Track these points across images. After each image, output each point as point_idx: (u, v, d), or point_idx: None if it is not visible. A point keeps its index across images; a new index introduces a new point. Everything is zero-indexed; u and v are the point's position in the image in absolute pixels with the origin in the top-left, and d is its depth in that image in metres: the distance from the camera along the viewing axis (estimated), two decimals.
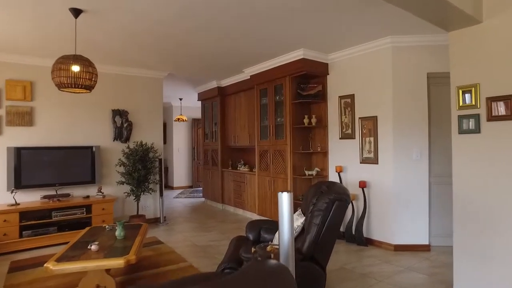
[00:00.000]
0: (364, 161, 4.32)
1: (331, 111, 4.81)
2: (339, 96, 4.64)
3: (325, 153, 4.89)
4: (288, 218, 1.40)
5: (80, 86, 2.90)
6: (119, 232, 3.20)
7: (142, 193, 5.23)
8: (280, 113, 5.10)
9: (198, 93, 7.56)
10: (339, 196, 2.38)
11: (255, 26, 3.62)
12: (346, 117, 4.56)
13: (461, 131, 2.60)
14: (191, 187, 9.98)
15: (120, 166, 5.08)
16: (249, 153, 6.52)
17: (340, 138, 4.64)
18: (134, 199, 5.14)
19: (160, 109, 5.78)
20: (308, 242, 2.33)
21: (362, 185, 4.21)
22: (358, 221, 4.26)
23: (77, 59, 2.94)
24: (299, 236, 2.59)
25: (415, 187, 3.99)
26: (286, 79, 4.92)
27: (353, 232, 4.34)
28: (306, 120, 4.86)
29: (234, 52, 4.61)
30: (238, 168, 6.40)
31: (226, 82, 6.57)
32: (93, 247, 2.79)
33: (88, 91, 3.06)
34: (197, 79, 6.57)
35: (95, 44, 4.20)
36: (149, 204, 5.65)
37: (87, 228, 3.60)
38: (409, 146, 4.00)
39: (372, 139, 4.21)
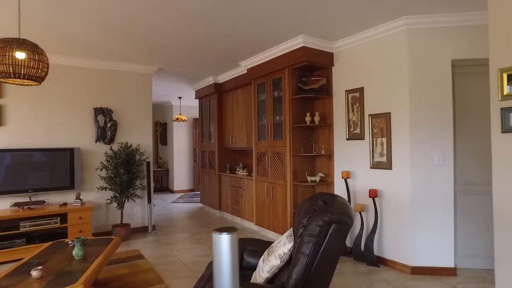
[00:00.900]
0: (375, 166, 3.67)
1: (337, 108, 4.18)
2: (346, 90, 4.01)
3: (330, 156, 4.26)
4: (230, 279, 0.82)
5: (23, 76, 2.38)
6: (76, 251, 2.68)
7: (126, 200, 4.72)
8: (279, 110, 4.50)
9: (195, 91, 7.04)
10: (337, 218, 1.77)
11: (247, 9, 3.04)
12: (354, 114, 3.93)
13: (506, 129, 1.95)
14: (192, 190, 9.47)
15: (101, 170, 4.58)
16: (249, 156, 5.95)
17: (347, 139, 4.01)
18: (117, 206, 4.63)
19: (149, 107, 5.28)
20: (294, 278, 1.73)
21: (373, 194, 3.56)
22: (368, 236, 3.62)
23: (22, 43, 2.42)
24: (286, 266, 1.99)
25: (437, 197, 3.32)
26: (285, 72, 4.32)
27: (362, 249, 3.69)
28: (308, 119, 4.25)
29: (226, 41, 4.04)
30: (237, 172, 5.83)
31: (223, 77, 6.01)
32: (35, 273, 2.27)
33: (37, 83, 2.55)
34: (193, 75, 6.04)
35: (73, 36, 3.72)
36: (136, 211, 5.14)
37: (46, 244, 3.10)
38: (430, 148, 3.34)
39: (384, 140, 3.56)
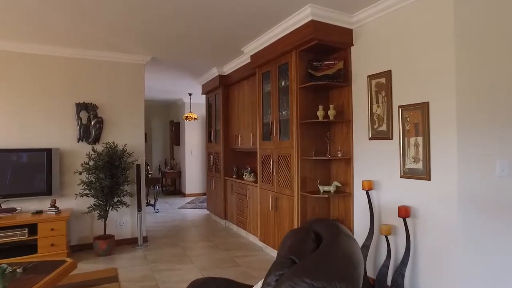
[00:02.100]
0: (407, 174, 2.75)
1: (357, 99, 3.28)
2: (369, 76, 3.10)
3: (348, 161, 3.36)
4: None
5: None
6: None
7: (110, 208, 4.11)
8: (286, 103, 3.68)
9: (201, 86, 6.36)
10: (323, 285, 0.94)
11: None
12: (379, 106, 3.01)
13: None
14: (204, 194, 8.81)
15: (80, 173, 4.00)
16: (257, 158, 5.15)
17: (370, 139, 3.10)
18: (98, 216, 4.02)
19: (141, 102, 4.65)
20: None
21: (404, 212, 2.64)
22: (397, 268, 2.70)
23: None
24: None
25: (501, 220, 2.34)
26: (292, 56, 3.48)
27: (389, 284, 2.78)
28: (320, 113, 3.38)
29: (224, 18, 3.29)
30: (244, 177, 5.06)
31: (228, 68, 5.27)
32: None
33: None
34: (195, 66, 5.35)
35: (50, 21, 3.15)
36: (126, 221, 4.52)
37: None
38: (489, 152, 2.38)
39: (419, 139, 2.63)
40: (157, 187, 6.76)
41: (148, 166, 6.76)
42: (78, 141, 4.22)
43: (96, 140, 4.31)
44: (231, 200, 5.25)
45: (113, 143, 4.23)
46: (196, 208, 7.09)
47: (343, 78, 3.35)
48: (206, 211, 6.56)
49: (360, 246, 2.86)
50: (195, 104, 8.16)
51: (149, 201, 6.80)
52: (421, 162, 2.61)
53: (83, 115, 4.24)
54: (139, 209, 4.45)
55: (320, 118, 3.38)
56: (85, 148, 4.22)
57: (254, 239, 4.54)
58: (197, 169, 8.79)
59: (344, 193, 3.34)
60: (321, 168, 3.56)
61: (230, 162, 5.54)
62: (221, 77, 5.43)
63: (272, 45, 3.75)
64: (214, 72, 5.52)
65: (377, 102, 3.02)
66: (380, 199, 3.00)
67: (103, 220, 4.10)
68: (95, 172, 3.95)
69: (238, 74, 5.00)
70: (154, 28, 3.55)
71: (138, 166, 4.45)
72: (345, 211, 3.40)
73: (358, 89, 3.26)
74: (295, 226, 3.43)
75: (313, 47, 3.32)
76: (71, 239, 4.15)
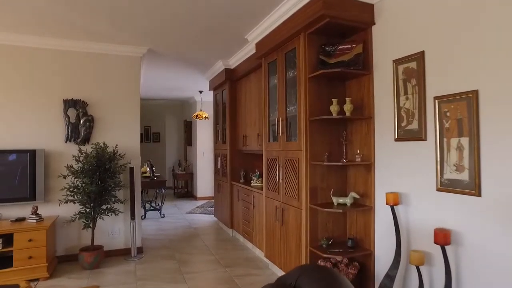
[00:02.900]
0: (446, 186, 2.08)
1: (379, 90, 2.64)
2: (395, 61, 2.46)
3: (369, 167, 2.73)
4: None
5: None
6: None
7: (98, 217, 3.69)
8: (294, 97, 3.09)
9: (209, 81, 5.88)
10: None
11: None
12: (408, 98, 2.36)
13: None
14: None
15: (65, 177, 3.60)
16: None
17: (396, 139, 2.46)
18: (84, 225, 3.61)
19: (136, 99, 4.21)
20: None
21: (443, 238, 1.98)
22: None
23: None
24: None
25: None
26: (300, 39, 2.89)
27: None
28: (334, 108, 2.77)
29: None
30: (252, 182, 4.51)
31: (234, 60, 4.74)
32: None
33: None
34: (198, 59, 4.87)
35: (35, 9, 2.78)
36: (119, 229, 4.10)
37: None
38: None
39: (465, 141, 1.96)
40: (163, 190, 6.35)
41: (154, 168, 6.37)
42: (66, 142, 3.84)
43: (86, 140, 3.92)
44: (238, 207, 4.72)
45: (104, 144, 3.81)
46: (205, 213, 6.62)
47: (363, 64, 2.72)
48: (214, 218, 6.06)
49: (382, 278, 2.23)
50: (206, 102, 7.70)
51: (157, 204, 6.41)
52: (466, 172, 1.95)
53: (72, 112, 3.85)
54: (133, 217, 4.01)
55: (334, 114, 2.76)
56: (73, 149, 3.84)
57: (260, 254, 3.98)
58: (209, 171, 8.33)
59: (364, 206, 2.70)
60: (335, 176, 2.94)
61: (237, 164, 5.01)
62: (227, 71, 4.91)
63: (277, 29, 3.18)
64: (220, 66, 5.02)
65: (406, 93, 2.37)
66: (409, 217, 2.35)
67: (92, 228, 3.68)
68: (80, 176, 3.54)
69: (244, 67, 4.46)
70: (147, 11, 3.07)
71: (132, 170, 4.01)
72: (365, 229, 2.76)
73: (381, 78, 2.62)
74: (304, 245, 2.84)
75: (325, 28, 2.71)
76: (57, 249, 3.78)
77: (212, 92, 5.97)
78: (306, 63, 2.84)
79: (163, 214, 6.26)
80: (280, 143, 3.29)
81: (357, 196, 2.69)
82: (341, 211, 2.60)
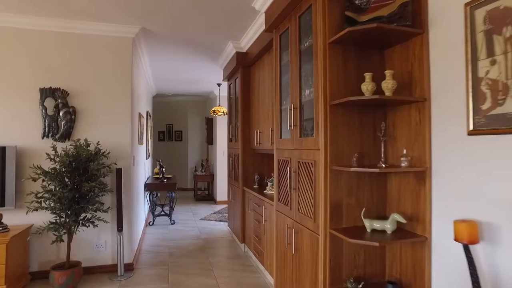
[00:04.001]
0: None
1: (439, 55, 1.69)
2: (469, 3, 1.50)
3: (421, 176, 1.78)
4: None
5: None
6: None
7: (75, 227, 3.06)
8: (310, 76, 2.22)
9: (223, 70, 5.13)
10: None
11: None
12: (494, 61, 1.40)
13: None
14: None
15: (34, 180, 3.00)
16: None
17: (472, 132, 1.50)
18: (56, 238, 2.98)
19: (127, 89, 3.54)
20: None
21: None
22: None
23: None
24: None
25: None
26: None
27: None
28: (368, 86, 1.86)
29: None
30: (266, 189, 3.68)
31: (245, 42, 3.93)
32: None
33: None
34: (204, 41, 4.13)
35: None
36: (105, 241, 3.46)
37: None
38: None
39: None
40: (173, 193, 5.71)
41: (164, 169, 5.76)
42: (43, 137, 3.27)
43: (67, 136, 3.32)
44: (249, 219, 3.91)
45: (85, 140, 3.18)
46: (220, 220, 5.88)
47: (411, 19, 1.78)
48: (228, 227, 5.30)
49: None
50: (225, 96, 6.97)
51: (171, 205, 5.78)
52: None
53: (49, 103, 3.27)
54: (119, 228, 3.34)
55: (367, 94, 1.85)
56: (51, 146, 3.24)
57: (271, 280, 3.13)
58: None
59: (413, 236, 1.76)
60: (369, 188, 2.02)
61: (250, 167, 4.19)
62: (238, 56, 4.11)
63: None
64: (230, 50, 4.24)
65: (491, 53, 1.41)
66: (497, 264, 1.39)
67: (68, 241, 3.06)
68: (52, 178, 2.93)
69: (256, 47, 3.63)
70: None
71: (119, 171, 3.35)
72: (414, 270, 1.82)
73: (442, 37, 1.67)
74: (320, 284, 1.95)
75: None
76: (31, 265, 3.21)
77: (227, 84, 5.21)
78: (326, 24, 1.96)
79: (173, 221, 5.61)
80: (292, 139, 2.43)
81: (403, 220, 1.76)
82: (377, 244, 1.68)
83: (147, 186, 5.30)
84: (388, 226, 1.78)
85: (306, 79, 2.31)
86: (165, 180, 5.59)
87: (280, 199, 2.68)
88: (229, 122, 5.00)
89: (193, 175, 8.57)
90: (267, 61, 3.52)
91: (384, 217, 1.99)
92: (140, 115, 4.36)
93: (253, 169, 4.18)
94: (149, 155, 6.13)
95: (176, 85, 7.07)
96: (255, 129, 3.96)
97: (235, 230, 4.54)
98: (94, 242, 3.42)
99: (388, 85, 1.80)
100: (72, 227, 3.03)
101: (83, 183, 2.99)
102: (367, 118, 2.04)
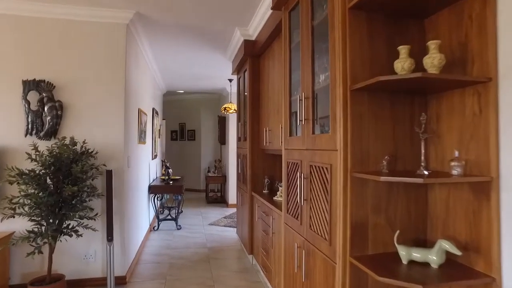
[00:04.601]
0: None
1: None
2: None
3: (482, 188, 1.25)
4: None
5: None
6: None
7: (58, 237, 2.70)
8: (324, 57, 1.73)
9: (232, 63, 4.69)
10: None
11: None
12: None
13: None
14: None
15: (11, 183, 2.66)
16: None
17: None
18: (34, 249, 2.62)
19: (120, 81, 3.16)
20: None
21: None
22: None
23: None
24: None
25: None
26: None
27: None
28: (403, 63, 1.35)
29: None
30: (277, 194, 3.22)
31: (253, 28, 3.48)
32: None
33: None
34: (215, 32, 3.71)
35: None
36: (95, 251, 3.09)
37: None
38: None
39: None
40: (180, 196, 5.34)
41: (170, 170, 5.40)
42: (26, 135, 2.94)
43: (52, 133, 2.98)
44: (257, 228, 3.44)
45: (72, 139, 2.82)
46: (230, 226, 5.45)
47: None
48: (236, 235, 4.86)
49: None
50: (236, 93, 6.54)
51: (179, 211, 5.42)
52: None
53: (33, 97, 2.94)
54: (109, 237, 2.97)
55: (400, 72, 1.35)
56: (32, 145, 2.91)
57: None
58: None
59: (473, 275, 1.24)
60: (403, 202, 1.51)
61: (259, 169, 3.73)
62: (246, 44, 3.66)
63: None
64: (238, 38, 3.79)
65: None
66: None
67: (49, 253, 2.71)
68: (29, 182, 2.58)
69: (265, 32, 3.16)
70: None
71: (109, 174, 2.98)
72: None
73: None
74: None
75: None
76: (11, 277, 2.89)
77: (236, 77, 4.77)
78: None
79: (179, 226, 5.23)
80: (303, 137, 1.94)
81: (457, 252, 1.24)
82: (420, 287, 1.17)
83: (151, 189, 4.94)
84: (433, 257, 1.28)
85: (320, 62, 1.82)
86: (171, 182, 5.21)
87: (289, 211, 2.20)
88: (238, 119, 4.55)
89: (205, 176, 8.20)
90: (277, 48, 3.05)
91: (424, 243, 1.48)
92: (140, 111, 3.99)
93: (263, 171, 3.72)
94: (155, 155, 5.79)
95: (186, 81, 6.71)
96: (264, 127, 3.50)
97: (243, 239, 4.09)
98: (83, 252, 3.06)
99: (433, 60, 1.29)
100: (51, 237, 2.66)
101: (65, 187, 2.62)
102: (401, 108, 1.53)
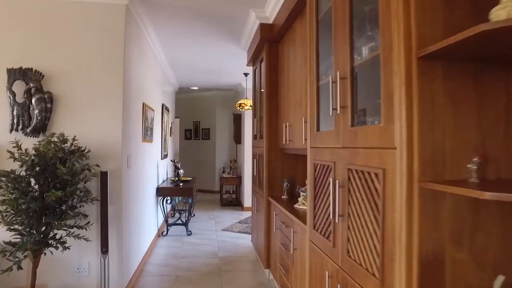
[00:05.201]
0: None
1: None
2: None
3: None
4: None
5: None
6: None
7: (42, 249, 2.32)
8: (367, 21, 1.24)
9: (246, 52, 4.24)
10: None
11: None
12: None
13: None
14: None
15: None
16: None
17: None
18: (12, 264, 2.24)
19: (119, 70, 2.75)
20: None
21: None
22: None
23: None
24: None
25: None
26: None
27: None
28: (511, 11, 0.85)
29: None
30: (298, 202, 2.74)
31: (271, 8, 3.01)
32: None
33: None
34: (225, 14, 3.27)
35: None
36: (89, 264, 2.71)
37: None
38: None
39: None
40: (190, 200, 4.94)
41: (181, 171, 5.00)
42: (12, 131, 2.58)
43: (41, 129, 2.61)
44: (275, 240, 2.97)
45: (62, 135, 2.44)
46: (245, 232, 5.00)
47: None
48: (250, 244, 4.40)
49: None
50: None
51: (191, 214, 5.03)
52: None
53: (19, 88, 2.58)
54: (104, 249, 2.57)
55: (506, 18, 0.84)
56: (24, 142, 2.54)
57: None
58: None
59: None
60: (499, 228, 1.00)
61: (278, 171, 3.26)
62: (263, 28, 3.19)
63: None
64: (253, 22, 3.33)
65: None
66: None
67: (33, 266, 2.34)
68: (13, 184, 2.21)
69: (284, 13, 2.69)
70: None
71: (104, 176, 2.58)
72: None
73: None
74: None
75: None
76: None
77: (251, 69, 4.31)
78: None
79: (190, 231, 4.82)
80: (338, 131, 1.46)
81: None
82: None
83: (159, 191, 4.56)
84: None
85: (361, 28, 1.34)
86: (181, 184, 4.82)
87: (317, 226, 1.72)
88: (254, 115, 4.10)
89: (219, 177, 7.80)
90: (299, 28, 2.57)
91: None
92: (145, 106, 3.60)
93: (281, 173, 3.25)
94: (165, 155, 5.41)
95: (198, 76, 6.32)
96: (283, 122, 3.02)
97: (259, 250, 3.62)
98: (75, 265, 2.68)
99: None
100: (31, 251, 2.27)
101: (49, 191, 2.23)
102: (492, 86, 1.03)
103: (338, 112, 1.40)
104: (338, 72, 1.42)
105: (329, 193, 1.48)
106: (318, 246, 1.69)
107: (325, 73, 1.75)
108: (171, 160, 5.54)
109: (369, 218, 1.18)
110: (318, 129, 1.75)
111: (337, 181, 1.41)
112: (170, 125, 6.12)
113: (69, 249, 2.37)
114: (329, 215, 1.53)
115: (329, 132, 1.58)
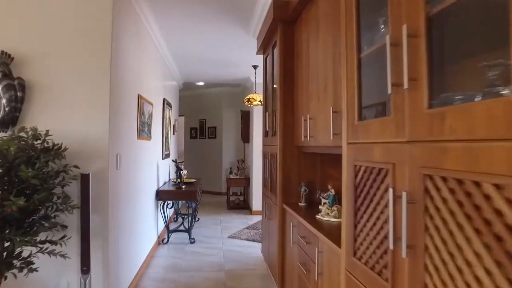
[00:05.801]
0: None
1: None
2: None
3: None
4: None
5: None
6: None
7: (5, 270, 1.88)
8: None
9: (256, 39, 3.75)
10: None
11: None
12: None
13: None
14: None
15: None
16: None
17: None
18: None
19: (106, 53, 2.30)
20: None
21: None
22: None
23: None
24: None
25: None
26: None
27: None
28: None
29: None
30: (320, 210, 2.25)
31: None
32: None
33: None
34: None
35: None
36: (67, 285, 2.25)
37: None
38: None
39: None
40: (193, 204, 4.48)
41: (183, 172, 4.55)
42: None
43: (11, 122, 2.17)
44: (291, 255, 2.48)
45: (34, 130, 1.99)
46: (253, 240, 4.52)
47: None
48: (260, 254, 3.91)
49: None
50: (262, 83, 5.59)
51: (195, 219, 4.58)
52: None
53: None
54: (84, 268, 2.12)
55: None
56: None
57: None
58: None
59: None
60: None
61: (294, 173, 2.77)
62: (276, 4, 2.70)
63: None
64: (265, 1, 2.85)
65: None
66: None
67: None
68: None
69: None
70: None
71: (85, 178, 2.13)
72: None
73: None
74: None
75: None
76: None
77: (262, 57, 3.83)
78: None
79: (193, 239, 4.36)
80: (401, 117, 0.96)
81: None
82: None
83: (159, 194, 4.11)
84: None
85: None
86: (183, 187, 4.36)
87: (359, 254, 1.23)
88: (265, 108, 3.62)
89: (226, 178, 7.34)
90: (322, 6, 2.07)
91: None
92: (141, 99, 3.15)
93: (298, 176, 2.76)
94: (167, 154, 4.96)
95: (204, 69, 5.86)
96: (301, 115, 2.53)
97: (270, 263, 3.14)
98: (52, 284, 2.23)
99: None
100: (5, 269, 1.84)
101: (8, 199, 1.78)
102: None
103: (406, 86, 0.91)
104: (406, 26, 0.92)
105: (388, 211, 0.99)
106: (363, 283, 1.19)
107: (371, 38, 1.25)
108: (172, 160, 5.10)
109: (475, 260, 0.69)
110: (360, 118, 1.26)
111: (404, 194, 0.91)
112: (173, 122, 5.68)
113: (36, 271, 1.91)
114: (381, 241, 1.05)
115: (381, 120, 1.09)
